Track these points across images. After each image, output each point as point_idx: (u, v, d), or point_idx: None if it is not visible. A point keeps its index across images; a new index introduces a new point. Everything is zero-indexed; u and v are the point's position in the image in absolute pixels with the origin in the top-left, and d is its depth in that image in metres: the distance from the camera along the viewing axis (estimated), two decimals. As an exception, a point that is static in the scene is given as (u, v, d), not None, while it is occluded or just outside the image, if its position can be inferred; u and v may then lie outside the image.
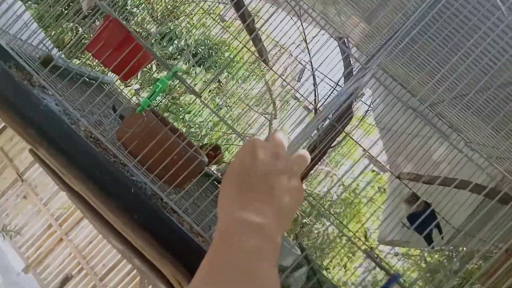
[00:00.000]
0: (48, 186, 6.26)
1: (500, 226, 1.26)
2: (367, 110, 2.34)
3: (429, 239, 1.80)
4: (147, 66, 4.53)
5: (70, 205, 6.20)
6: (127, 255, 1.01)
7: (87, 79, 1.54)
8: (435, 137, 1.96)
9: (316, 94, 2.24)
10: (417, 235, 1.91)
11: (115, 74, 1.14)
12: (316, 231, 3.71)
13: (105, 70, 1.94)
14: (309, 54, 2.19)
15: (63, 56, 1.39)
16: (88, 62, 2.96)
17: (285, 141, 0.66)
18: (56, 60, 1.18)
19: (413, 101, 1.54)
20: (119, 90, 2.05)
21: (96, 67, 1.95)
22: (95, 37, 1.08)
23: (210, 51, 6.57)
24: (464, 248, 2.37)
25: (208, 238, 1.07)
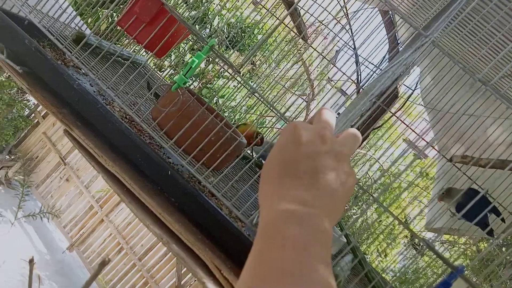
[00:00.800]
0: (88, 169, 6.48)
1: None
2: (413, 90, 2.17)
3: (484, 225, 1.65)
4: (180, 47, 4.50)
5: (110, 188, 6.39)
6: (164, 240, 0.96)
7: (121, 59, 1.50)
8: (492, 117, 1.79)
9: (359, 74, 2.09)
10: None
11: (148, 51, 1.08)
12: (354, 216, 3.60)
13: (136, 49, 1.91)
14: (351, 30, 2.03)
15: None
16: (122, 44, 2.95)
17: (333, 121, 0.57)
18: (88, 37, 1.13)
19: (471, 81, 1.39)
20: (152, 69, 2.00)
21: (129, 46, 1.91)
22: (127, 10, 1.01)
23: (243, 33, 6.46)
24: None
25: (249, 223, 1.00)
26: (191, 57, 0.97)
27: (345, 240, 1.20)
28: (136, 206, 1.00)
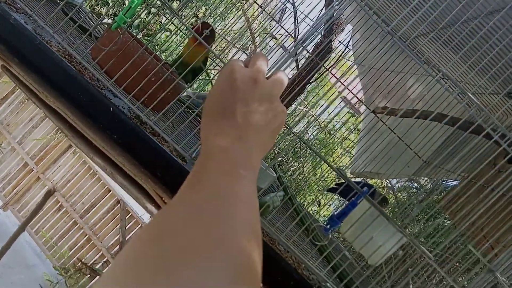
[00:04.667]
0: (20, 124, 6.11)
1: (467, 158, 1.33)
2: (345, 47, 2.33)
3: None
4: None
5: (46, 143, 6.12)
6: (108, 171, 1.03)
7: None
8: (410, 74, 2.01)
9: (297, 31, 2.20)
10: (388, 165, 2.02)
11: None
12: (292, 169, 3.84)
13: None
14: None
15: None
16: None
17: (265, 65, 0.67)
18: (22, -28, 1.11)
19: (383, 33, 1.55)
20: (89, 12, 1.95)
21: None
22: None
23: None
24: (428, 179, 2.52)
25: (188, 157, 1.10)
26: None
27: (274, 174, 1.34)
28: (80, 140, 1.05)
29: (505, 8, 1.27)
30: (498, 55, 1.46)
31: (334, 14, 1.08)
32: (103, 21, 1.14)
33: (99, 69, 1.13)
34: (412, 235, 1.27)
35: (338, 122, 3.71)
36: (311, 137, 4.38)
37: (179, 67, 1.40)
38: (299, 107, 4.16)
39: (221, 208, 0.44)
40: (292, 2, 2.14)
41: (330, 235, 1.08)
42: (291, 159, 4.07)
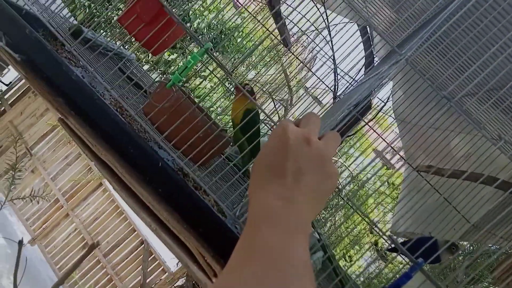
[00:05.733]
0: (56, 161, 6.32)
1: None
2: (385, 102, 2.33)
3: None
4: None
5: (77, 181, 6.26)
6: (153, 227, 1.02)
7: (112, 54, 1.54)
8: (455, 132, 1.95)
9: (337, 83, 2.23)
10: (432, 227, 1.92)
11: (146, 49, 1.14)
12: (328, 224, 3.73)
13: (125, 44, 1.94)
14: (331, 42, 2.16)
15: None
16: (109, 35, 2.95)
17: (318, 125, 0.66)
18: (86, 32, 1.18)
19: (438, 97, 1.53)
20: (141, 67, 2.04)
21: (126, 43, 1.93)
22: (128, 9, 1.07)
23: (222, 35, 6.52)
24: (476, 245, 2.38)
25: (232, 215, 1.08)
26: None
27: (317, 236, 1.29)
28: (127, 194, 1.05)
29: None
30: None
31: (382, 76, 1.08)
32: (156, 80, 1.18)
33: (151, 125, 1.16)
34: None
35: (373, 175, 3.63)
36: (346, 188, 4.30)
37: (236, 138, 1.42)
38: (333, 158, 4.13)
39: (279, 280, 0.45)
40: (333, 59, 2.18)
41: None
42: (324, 213, 3.97)
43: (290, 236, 0.50)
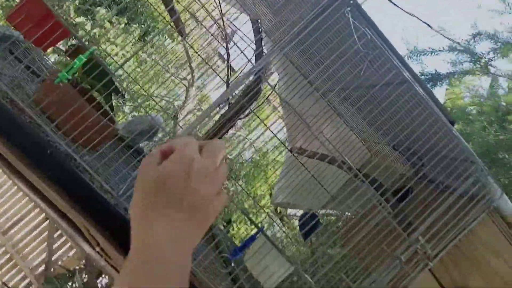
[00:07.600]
0: None
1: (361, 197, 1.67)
2: (271, 90, 2.66)
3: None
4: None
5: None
6: (42, 206, 1.18)
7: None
8: (323, 118, 2.34)
9: (229, 69, 2.47)
10: (307, 200, 2.33)
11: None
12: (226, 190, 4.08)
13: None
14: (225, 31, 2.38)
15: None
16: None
17: (221, 156, 0.63)
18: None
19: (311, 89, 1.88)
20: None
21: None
22: (16, 9, 1.17)
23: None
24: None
25: (116, 195, 1.28)
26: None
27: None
28: (17, 176, 1.19)
29: (385, 82, 1.63)
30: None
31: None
32: (50, 71, 1.30)
33: (42, 114, 1.28)
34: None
35: (271, 145, 4.02)
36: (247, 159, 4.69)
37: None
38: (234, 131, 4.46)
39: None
40: (226, 48, 2.42)
41: (233, 263, 1.31)
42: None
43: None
